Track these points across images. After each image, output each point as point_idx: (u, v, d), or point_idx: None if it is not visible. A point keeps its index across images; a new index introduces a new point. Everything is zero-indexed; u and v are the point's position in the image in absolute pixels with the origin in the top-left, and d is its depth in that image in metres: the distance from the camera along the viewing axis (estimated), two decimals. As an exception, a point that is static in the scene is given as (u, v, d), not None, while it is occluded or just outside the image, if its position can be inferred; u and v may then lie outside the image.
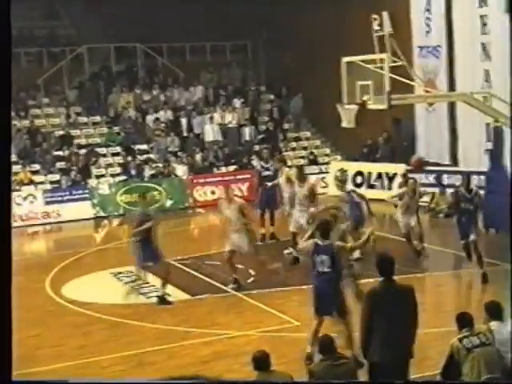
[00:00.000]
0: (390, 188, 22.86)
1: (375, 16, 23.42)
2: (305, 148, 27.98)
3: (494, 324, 7.85)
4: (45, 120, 26.84)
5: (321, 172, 25.73)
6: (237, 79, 30.27)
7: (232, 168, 25.93)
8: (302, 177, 15.96)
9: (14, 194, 22.42)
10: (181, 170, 24.93)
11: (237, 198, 14.64)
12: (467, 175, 15.16)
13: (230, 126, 27.29)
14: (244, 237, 13.47)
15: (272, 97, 29.95)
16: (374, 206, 17.17)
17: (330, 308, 9.71)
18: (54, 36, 29.85)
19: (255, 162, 25.10)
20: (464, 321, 7.78)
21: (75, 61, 28.69)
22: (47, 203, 22.59)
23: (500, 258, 11.75)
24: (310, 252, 9.78)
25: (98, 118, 27.48)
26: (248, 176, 24.92)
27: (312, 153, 27.08)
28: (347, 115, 17.90)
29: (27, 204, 22.42)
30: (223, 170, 25.90)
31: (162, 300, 13.11)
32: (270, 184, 17.89)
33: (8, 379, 4.91)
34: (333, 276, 9.62)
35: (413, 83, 20.70)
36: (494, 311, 7.94)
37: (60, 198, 22.75)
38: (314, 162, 26.55)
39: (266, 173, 18.32)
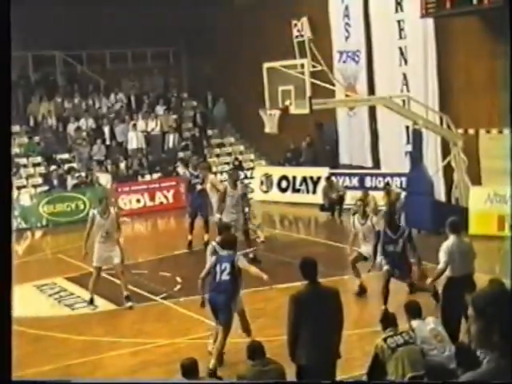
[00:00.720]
0: (314, 192, 23.09)
1: (295, 22, 23.67)
2: (229, 154, 28.03)
3: (414, 323, 8.02)
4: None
5: (246, 177, 25.81)
6: (159, 86, 30.11)
7: (156, 176, 25.78)
8: (234, 182, 15.98)
9: None
10: (104, 179, 24.63)
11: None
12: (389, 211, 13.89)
13: (153, 133, 27.13)
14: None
15: (195, 103, 29.93)
16: (300, 209, 17.45)
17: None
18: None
19: (180, 170, 25.01)
20: (387, 321, 7.92)
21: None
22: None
23: (426, 259, 11.95)
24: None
25: (17, 128, 26.91)
26: (173, 183, 24.82)
27: (237, 158, 27.15)
28: (270, 121, 18.05)
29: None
30: (148, 177, 25.72)
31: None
32: (196, 190, 17.83)
33: (8, 379, 4.79)
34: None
35: (334, 88, 21.04)
36: (414, 310, 8.13)
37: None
38: (239, 167, 26.62)
39: (196, 180, 18.24)
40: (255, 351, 7.60)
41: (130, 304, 13.02)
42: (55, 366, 10.46)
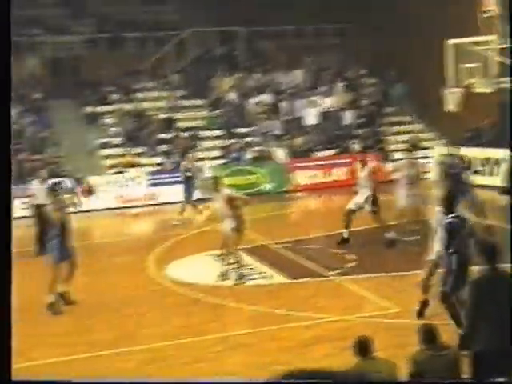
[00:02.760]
0: (494, 174, 22.22)
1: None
2: (407, 133, 27.51)
3: None
4: (149, 103, 27.37)
5: (423, 157, 25.23)
6: (339, 62, 29.99)
7: (332, 152, 25.79)
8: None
9: (119, 176, 23.03)
10: (281, 154, 24.97)
11: None
12: None
13: (331, 109, 27.12)
14: None
15: (374, 80, 29.59)
16: (479, 192, 16.81)
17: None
18: (158, 21, 30.35)
19: (357, 146, 24.93)
20: None
21: (179, 45, 29.10)
22: (151, 185, 23.07)
23: None
24: None
25: (199, 102, 27.83)
26: (348, 160, 24.73)
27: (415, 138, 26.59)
28: (452, 99, 17.56)
29: (132, 185, 22.95)
30: (323, 153, 25.79)
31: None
32: None
33: (8, 379, 5.01)
34: None
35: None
36: None
37: (163, 181, 23.18)
38: (416, 146, 26.08)
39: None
40: (429, 335, 7.44)
41: None
42: (230, 333, 10.78)
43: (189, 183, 20.14)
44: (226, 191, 13.87)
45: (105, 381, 9.14)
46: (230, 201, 13.55)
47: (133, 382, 9.19)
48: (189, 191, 20.05)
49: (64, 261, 12.34)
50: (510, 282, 7.31)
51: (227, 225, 13.57)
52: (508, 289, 7.22)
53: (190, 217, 19.88)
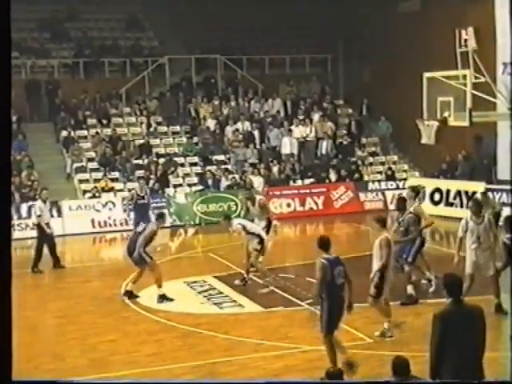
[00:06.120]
0: (468, 206, 22.38)
1: (459, 31, 23.02)
2: (382, 163, 27.72)
3: None
4: (126, 129, 27.35)
5: (398, 188, 25.43)
6: (316, 92, 30.20)
7: (308, 181, 25.89)
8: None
9: (94, 201, 22.91)
10: (257, 182, 25.02)
11: None
12: None
13: (307, 139, 27.27)
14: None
15: (350, 111, 29.82)
16: (452, 224, 16.95)
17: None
18: (137, 47, 30.43)
19: (332, 176, 25.04)
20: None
21: (157, 71, 29.18)
22: (126, 210, 22.96)
23: None
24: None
25: (177, 128, 27.87)
26: (324, 190, 24.85)
27: (390, 168, 26.80)
28: (427, 131, 17.73)
29: (106, 210, 22.84)
30: (299, 183, 25.88)
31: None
32: None
33: (8, 379, 4.97)
34: None
35: (495, 100, 20.34)
36: None
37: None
38: (391, 177, 26.28)
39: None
40: (400, 366, 7.44)
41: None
42: (201, 362, 10.70)
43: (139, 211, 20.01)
44: (235, 226, 14.91)
45: (105, 381, 9.06)
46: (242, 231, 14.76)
47: (133, 381, 9.12)
48: (137, 219, 19.28)
49: None
50: (473, 316, 7.33)
51: (250, 246, 14.72)
52: (473, 322, 7.25)
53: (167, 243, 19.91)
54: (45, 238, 17.52)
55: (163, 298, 14.01)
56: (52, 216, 19.58)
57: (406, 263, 13.64)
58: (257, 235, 14.73)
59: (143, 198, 20.24)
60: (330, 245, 9.93)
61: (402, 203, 14.25)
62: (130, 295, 14.28)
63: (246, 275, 15.10)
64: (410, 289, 13.59)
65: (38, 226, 17.59)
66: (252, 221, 16.02)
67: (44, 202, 17.80)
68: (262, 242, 14.66)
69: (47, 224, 17.54)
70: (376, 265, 11.26)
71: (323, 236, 10.23)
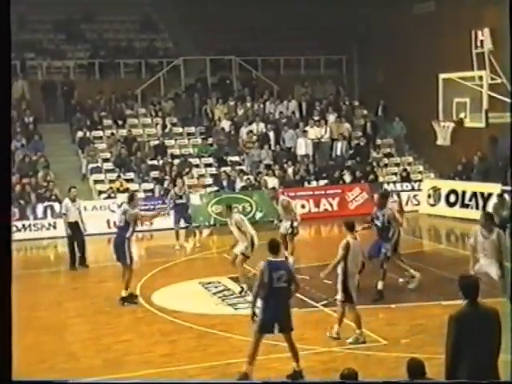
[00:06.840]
0: (484, 208, 22.29)
1: (475, 31, 22.93)
2: (397, 164, 27.63)
3: None
4: (141, 129, 27.43)
5: (413, 189, 25.35)
6: (331, 93, 30.17)
7: (323, 182, 25.85)
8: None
9: (109, 202, 22.97)
10: (272, 183, 25.00)
11: None
12: None
13: (322, 140, 27.23)
14: None
15: (365, 112, 29.75)
16: (468, 226, 16.87)
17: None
18: (152, 48, 30.52)
19: (347, 177, 24.98)
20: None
21: (172, 72, 29.24)
22: (140, 211, 22.94)
23: None
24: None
25: (192, 129, 27.92)
26: (339, 191, 24.79)
27: (405, 170, 26.71)
28: (442, 133, 17.67)
29: (121, 211, 22.82)
30: (314, 184, 25.84)
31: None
32: None
33: (8, 379, 4.98)
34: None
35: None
36: None
37: (153, 207, 23.09)
38: (406, 179, 26.18)
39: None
40: (415, 368, 7.40)
41: None
42: (215, 363, 10.70)
43: (178, 210, 20.31)
44: (236, 216, 14.76)
45: (105, 381, 9.08)
46: (240, 226, 14.50)
47: (133, 382, 9.14)
48: (178, 218, 20.23)
49: None
50: (489, 318, 7.29)
51: (237, 248, 14.56)
52: (488, 324, 7.21)
53: (182, 244, 19.99)
54: (73, 236, 17.75)
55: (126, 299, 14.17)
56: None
57: (384, 259, 13.98)
58: (248, 238, 14.55)
59: (181, 197, 20.42)
60: (278, 248, 10.23)
61: (383, 200, 14.54)
62: (130, 299, 14.27)
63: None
64: (380, 285, 13.84)
65: (69, 225, 17.77)
66: (280, 221, 16.95)
67: (73, 200, 17.88)
68: (252, 247, 14.52)
69: (75, 223, 17.70)
70: (338, 269, 11.48)
71: (273, 239, 10.38)
